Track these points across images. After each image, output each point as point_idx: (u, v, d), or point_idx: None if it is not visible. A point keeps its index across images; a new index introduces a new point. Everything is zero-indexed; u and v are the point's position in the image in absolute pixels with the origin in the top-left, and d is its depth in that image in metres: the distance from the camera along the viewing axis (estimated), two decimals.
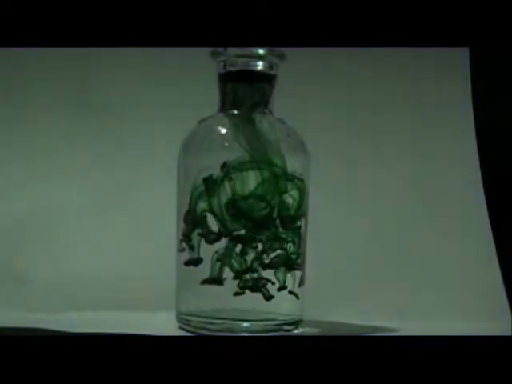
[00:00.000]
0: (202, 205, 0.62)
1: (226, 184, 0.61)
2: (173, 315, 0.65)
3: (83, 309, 0.69)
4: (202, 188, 0.62)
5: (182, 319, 0.64)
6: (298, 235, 0.63)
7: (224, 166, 0.62)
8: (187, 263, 0.63)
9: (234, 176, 0.61)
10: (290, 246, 0.63)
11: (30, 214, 0.78)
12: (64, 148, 0.80)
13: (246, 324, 0.61)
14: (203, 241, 0.62)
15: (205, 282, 0.62)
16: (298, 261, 0.64)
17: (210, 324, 0.61)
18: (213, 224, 0.62)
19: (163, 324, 0.65)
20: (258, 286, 0.62)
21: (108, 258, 0.76)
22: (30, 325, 0.61)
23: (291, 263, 0.63)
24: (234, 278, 0.61)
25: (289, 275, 0.63)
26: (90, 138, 0.80)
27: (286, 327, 0.63)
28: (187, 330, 0.63)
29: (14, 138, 0.80)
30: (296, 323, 0.64)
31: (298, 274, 0.64)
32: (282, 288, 0.62)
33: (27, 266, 0.75)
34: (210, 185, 0.62)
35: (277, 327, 0.62)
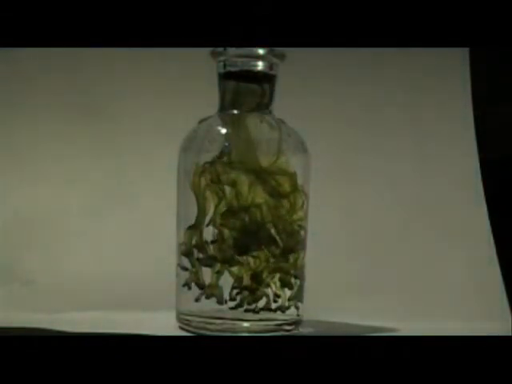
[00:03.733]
0: (204, 179, 0.62)
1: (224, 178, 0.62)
2: (173, 315, 0.65)
3: (83, 309, 0.69)
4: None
5: (182, 319, 0.64)
6: (296, 244, 0.63)
7: (221, 155, 0.62)
8: (186, 284, 0.63)
9: (231, 177, 0.61)
10: (289, 257, 0.63)
11: (30, 214, 0.78)
12: (64, 148, 0.80)
13: (245, 324, 0.61)
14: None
15: (199, 298, 0.62)
16: (298, 271, 0.63)
17: (210, 324, 0.61)
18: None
19: (163, 324, 0.65)
20: (254, 300, 0.62)
21: (108, 257, 0.76)
22: (30, 325, 0.61)
23: (290, 275, 0.63)
24: (230, 297, 0.61)
25: (287, 287, 0.63)
26: (90, 138, 0.80)
27: (286, 327, 0.63)
28: (187, 330, 0.63)
29: (14, 138, 0.79)
30: (296, 323, 0.64)
31: (297, 285, 0.63)
32: (279, 308, 0.62)
33: (28, 266, 0.75)
34: (211, 166, 0.62)
35: (277, 327, 0.62)
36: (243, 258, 0.61)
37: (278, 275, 0.62)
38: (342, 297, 0.73)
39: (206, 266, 0.62)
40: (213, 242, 0.61)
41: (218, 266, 0.61)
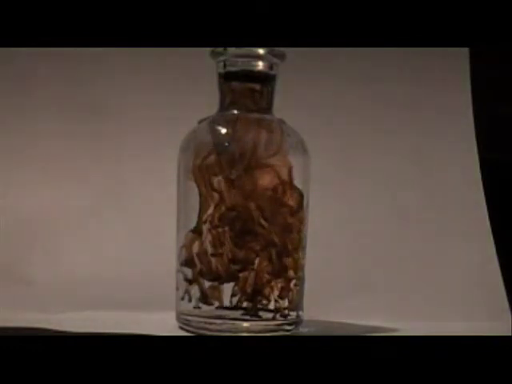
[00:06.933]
0: (210, 159, 0.62)
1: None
2: (173, 315, 0.65)
3: (83, 309, 0.69)
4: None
5: (182, 319, 0.64)
6: (295, 246, 0.63)
7: (220, 153, 0.62)
8: (187, 292, 0.63)
9: (230, 176, 0.61)
10: (288, 261, 0.63)
11: (30, 214, 0.78)
12: (64, 148, 0.80)
13: (245, 324, 0.61)
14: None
15: (198, 305, 0.62)
16: (298, 274, 0.63)
17: (210, 324, 0.61)
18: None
19: (163, 324, 0.65)
20: (254, 307, 0.62)
21: (108, 258, 0.76)
22: (30, 325, 0.61)
23: (290, 281, 0.63)
24: (231, 304, 0.62)
25: (286, 288, 0.63)
26: (90, 138, 0.80)
27: (286, 327, 0.63)
28: (187, 330, 0.63)
29: (15, 138, 0.79)
30: (296, 323, 0.64)
31: (296, 288, 0.63)
32: (278, 311, 0.62)
33: (28, 266, 0.75)
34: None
35: (277, 327, 0.62)
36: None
37: (279, 284, 0.62)
38: (342, 297, 0.74)
39: (210, 281, 0.62)
40: (213, 255, 0.61)
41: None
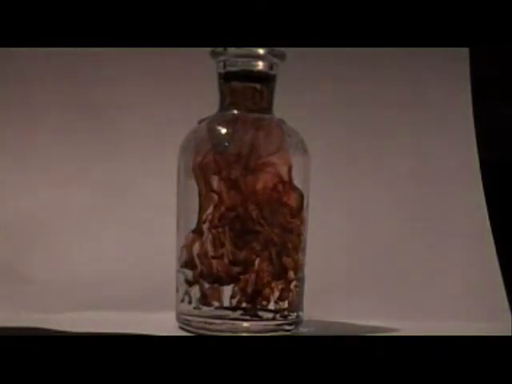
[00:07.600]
0: (210, 157, 0.62)
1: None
2: (173, 315, 0.65)
3: (83, 309, 0.69)
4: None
5: (182, 319, 0.64)
6: (295, 247, 0.63)
7: (221, 153, 0.62)
8: (187, 294, 0.63)
9: (230, 176, 0.61)
10: (288, 261, 0.63)
11: (30, 213, 0.78)
12: (64, 148, 0.80)
13: (245, 324, 0.61)
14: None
15: (198, 306, 0.62)
16: (298, 275, 0.63)
17: (210, 324, 0.61)
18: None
19: (163, 324, 0.65)
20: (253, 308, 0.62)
21: (108, 257, 0.76)
22: (30, 325, 0.61)
23: (288, 278, 0.63)
24: (230, 304, 0.62)
25: (286, 289, 0.63)
26: (90, 137, 0.80)
27: (286, 327, 0.63)
28: (187, 330, 0.63)
29: (14, 138, 0.79)
30: (296, 323, 0.64)
31: (296, 290, 0.63)
32: (277, 311, 0.62)
33: (27, 265, 0.75)
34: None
35: (277, 327, 0.62)
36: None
37: (279, 285, 0.62)
38: (342, 297, 0.74)
39: (210, 283, 0.62)
40: (214, 257, 0.61)
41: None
